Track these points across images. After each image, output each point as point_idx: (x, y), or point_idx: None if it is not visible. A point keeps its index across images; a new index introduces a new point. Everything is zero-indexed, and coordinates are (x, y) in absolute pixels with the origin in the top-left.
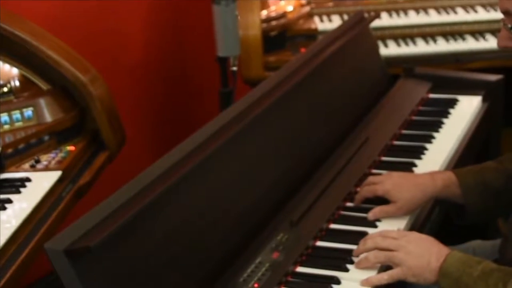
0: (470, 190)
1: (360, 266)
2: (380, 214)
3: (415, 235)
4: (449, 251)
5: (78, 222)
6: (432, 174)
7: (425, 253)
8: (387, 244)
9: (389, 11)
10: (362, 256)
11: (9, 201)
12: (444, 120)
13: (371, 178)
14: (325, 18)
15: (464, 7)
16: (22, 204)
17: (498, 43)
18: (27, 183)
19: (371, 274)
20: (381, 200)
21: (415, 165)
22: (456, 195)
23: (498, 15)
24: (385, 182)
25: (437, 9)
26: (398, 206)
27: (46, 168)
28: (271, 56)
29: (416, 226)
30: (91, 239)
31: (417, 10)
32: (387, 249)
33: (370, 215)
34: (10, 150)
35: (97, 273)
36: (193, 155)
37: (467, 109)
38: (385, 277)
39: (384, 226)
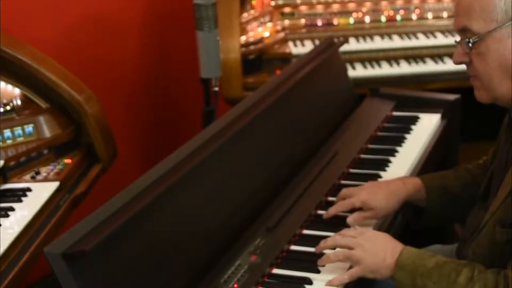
0: (432, 193)
1: (322, 263)
2: (359, 219)
3: (372, 232)
4: (404, 246)
5: (74, 228)
6: (402, 179)
7: (380, 251)
8: (345, 242)
9: (356, 37)
10: (325, 254)
11: (12, 209)
12: (407, 135)
13: (344, 191)
14: (298, 43)
15: (425, 33)
16: (24, 212)
17: (454, 59)
18: (28, 193)
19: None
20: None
21: (380, 177)
22: (421, 200)
23: (455, 39)
24: (360, 193)
25: (400, 34)
26: (375, 213)
27: (45, 179)
28: (250, 78)
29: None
30: (87, 243)
31: (382, 36)
32: (346, 246)
33: (350, 220)
34: (12, 163)
35: (92, 274)
36: (178, 168)
37: (427, 125)
38: (346, 277)
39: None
